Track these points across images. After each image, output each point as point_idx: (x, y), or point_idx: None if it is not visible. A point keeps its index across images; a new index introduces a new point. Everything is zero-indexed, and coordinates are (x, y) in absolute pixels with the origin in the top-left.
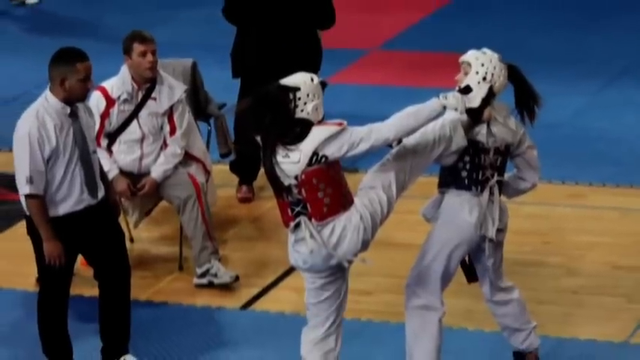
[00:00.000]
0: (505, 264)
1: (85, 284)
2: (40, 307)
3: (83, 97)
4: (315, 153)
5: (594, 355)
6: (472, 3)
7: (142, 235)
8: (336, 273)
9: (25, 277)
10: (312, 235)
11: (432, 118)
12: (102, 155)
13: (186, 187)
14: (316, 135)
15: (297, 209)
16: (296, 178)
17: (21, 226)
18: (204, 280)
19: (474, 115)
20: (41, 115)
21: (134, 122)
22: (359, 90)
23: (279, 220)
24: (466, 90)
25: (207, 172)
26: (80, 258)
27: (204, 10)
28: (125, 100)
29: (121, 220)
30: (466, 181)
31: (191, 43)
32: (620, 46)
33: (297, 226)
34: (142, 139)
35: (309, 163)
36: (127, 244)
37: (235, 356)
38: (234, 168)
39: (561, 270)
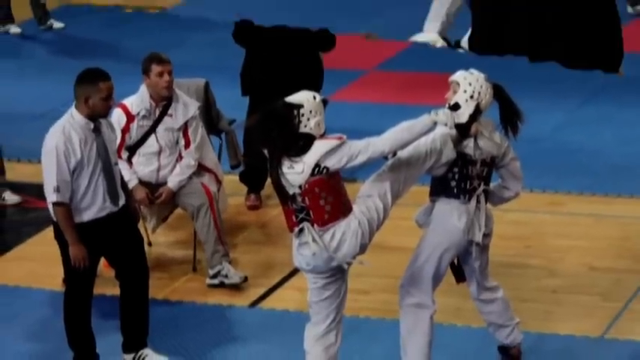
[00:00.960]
0: (490, 265)
1: (107, 284)
2: (66, 305)
3: (105, 113)
4: (317, 164)
5: (572, 349)
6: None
7: (159, 240)
8: (337, 274)
9: (53, 278)
10: (314, 240)
11: (424, 132)
12: (123, 166)
13: (199, 195)
14: (318, 148)
15: (301, 216)
16: (300, 187)
17: (49, 232)
18: (215, 281)
19: (462, 130)
20: (67, 130)
21: (152, 136)
22: (358, 107)
23: (285, 225)
24: (455, 107)
25: (219, 182)
26: (103, 260)
27: (216, 34)
28: (144, 117)
29: (140, 225)
30: (455, 190)
31: (204, 64)
32: None
33: (301, 231)
34: (159, 152)
35: (312, 174)
36: (146, 247)
37: (244, 351)
38: (243, 178)
39: (542, 271)
